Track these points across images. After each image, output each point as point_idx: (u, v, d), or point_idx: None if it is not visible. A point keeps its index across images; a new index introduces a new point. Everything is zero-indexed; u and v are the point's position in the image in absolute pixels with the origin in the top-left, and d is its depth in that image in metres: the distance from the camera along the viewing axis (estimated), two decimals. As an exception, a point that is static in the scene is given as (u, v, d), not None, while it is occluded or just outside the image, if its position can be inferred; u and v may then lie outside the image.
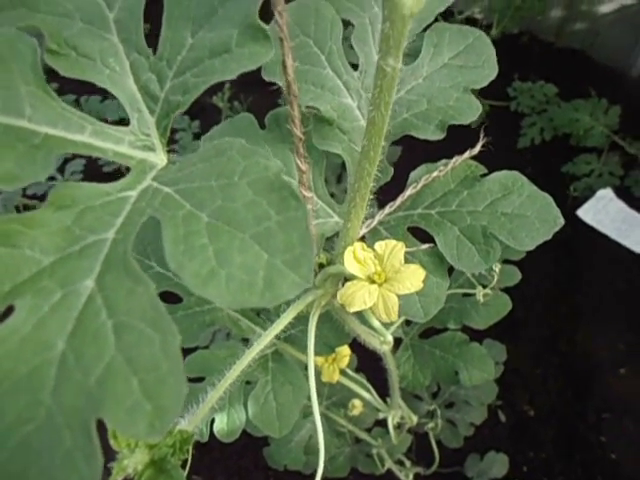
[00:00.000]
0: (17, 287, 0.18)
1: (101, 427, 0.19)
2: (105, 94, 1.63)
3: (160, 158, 0.23)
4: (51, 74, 0.25)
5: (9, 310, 0.18)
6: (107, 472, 0.24)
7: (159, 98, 0.24)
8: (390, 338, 0.54)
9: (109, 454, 0.24)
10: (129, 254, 0.18)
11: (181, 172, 0.21)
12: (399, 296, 0.32)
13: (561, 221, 0.37)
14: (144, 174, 0.22)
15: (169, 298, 0.48)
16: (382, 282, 0.32)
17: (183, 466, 0.24)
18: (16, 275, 0.18)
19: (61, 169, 1.39)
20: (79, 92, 1.49)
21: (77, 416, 0.16)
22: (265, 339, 0.32)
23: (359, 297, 0.31)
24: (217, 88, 1.66)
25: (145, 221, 0.19)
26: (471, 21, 1.78)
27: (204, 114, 1.63)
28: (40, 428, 0.16)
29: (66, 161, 1.42)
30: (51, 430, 0.16)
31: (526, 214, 0.38)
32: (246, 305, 0.17)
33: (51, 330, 0.17)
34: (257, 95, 1.66)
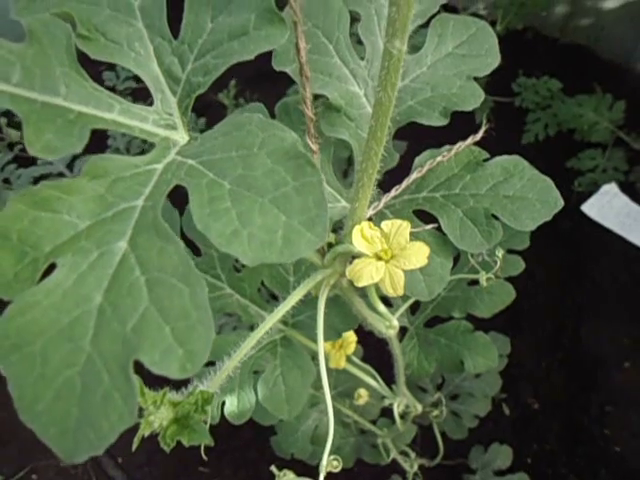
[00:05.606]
0: (57, 248, 0.20)
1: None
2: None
3: (182, 136, 0.25)
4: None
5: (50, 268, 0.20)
6: (135, 429, 0.26)
7: (181, 80, 0.26)
8: (396, 322, 0.55)
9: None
10: (159, 218, 0.20)
11: (203, 146, 0.23)
12: (405, 272, 0.33)
13: (561, 202, 0.38)
14: (168, 149, 0.24)
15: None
16: (389, 259, 0.34)
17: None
18: (56, 237, 0.20)
19: (70, 166, 1.41)
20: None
21: (115, 360, 0.18)
22: (279, 313, 0.34)
23: (367, 272, 0.33)
24: (223, 85, 1.68)
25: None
26: (475, 17, 1.79)
27: (210, 111, 1.65)
28: (81, 372, 0.18)
29: (74, 158, 1.44)
30: (91, 373, 0.18)
31: (527, 196, 0.39)
32: (266, 261, 0.18)
33: (89, 285, 0.19)
34: (262, 92, 1.67)
